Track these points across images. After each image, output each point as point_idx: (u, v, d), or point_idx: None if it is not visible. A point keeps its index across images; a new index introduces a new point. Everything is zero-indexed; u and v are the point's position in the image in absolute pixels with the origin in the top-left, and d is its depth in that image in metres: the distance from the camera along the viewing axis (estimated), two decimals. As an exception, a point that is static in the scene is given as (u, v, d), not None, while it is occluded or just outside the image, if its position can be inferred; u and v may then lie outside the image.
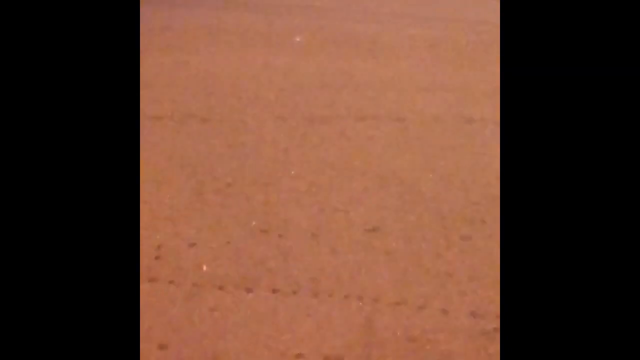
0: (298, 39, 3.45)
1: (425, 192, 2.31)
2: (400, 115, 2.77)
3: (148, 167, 2.41)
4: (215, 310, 1.82)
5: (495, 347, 1.69)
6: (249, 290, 1.88)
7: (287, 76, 3.07)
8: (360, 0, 4.03)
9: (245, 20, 3.70)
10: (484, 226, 2.14)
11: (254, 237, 2.08)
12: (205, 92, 2.93)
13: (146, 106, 2.81)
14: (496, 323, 1.74)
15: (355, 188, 2.31)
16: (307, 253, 2.02)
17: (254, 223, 2.14)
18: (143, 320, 1.79)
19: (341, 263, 1.99)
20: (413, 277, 1.94)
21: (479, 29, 3.69)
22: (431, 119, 2.79)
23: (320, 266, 1.97)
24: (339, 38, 3.50)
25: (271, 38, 3.48)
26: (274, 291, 1.88)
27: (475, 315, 1.81)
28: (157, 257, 2.00)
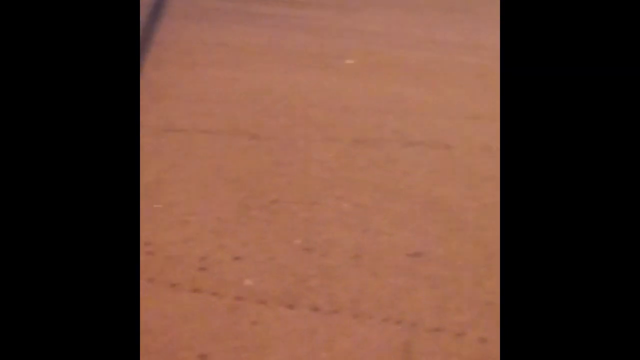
0: (349, 62, 3.50)
1: (468, 220, 2.32)
2: (447, 143, 2.79)
3: (197, 179, 2.46)
4: (256, 324, 1.85)
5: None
6: (290, 307, 1.91)
7: (336, 98, 3.11)
8: (411, 26, 4.07)
9: (298, 41, 3.76)
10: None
11: (297, 254, 2.11)
12: (256, 109, 2.99)
13: (198, 119, 2.88)
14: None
15: (400, 212, 2.33)
16: (349, 274, 2.04)
17: (297, 241, 2.17)
18: (185, 330, 1.83)
19: (382, 286, 2.00)
20: (453, 304, 1.95)
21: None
22: (478, 148, 2.80)
23: (361, 288, 1.99)
24: (389, 63, 3.53)
25: (323, 60, 3.53)
26: (315, 309, 1.91)
27: (514, 346, 1.80)
28: (201, 269, 2.04)
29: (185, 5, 4.31)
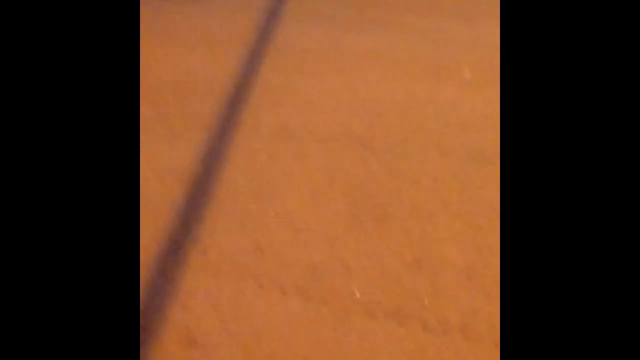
0: (467, 75, 3.44)
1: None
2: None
3: (310, 187, 2.47)
4: (364, 338, 1.84)
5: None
6: (400, 323, 1.89)
7: (453, 111, 3.06)
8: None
9: (415, 50, 3.72)
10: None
11: (408, 270, 2.09)
12: (371, 118, 2.98)
13: (314, 126, 2.89)
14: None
15: (515, 234, 2.26)
16: (461, 294, 2.00)
17: (409, 256, 2.14)
18: (292, 338, 1.84)
19: (495, 309, 1.95)
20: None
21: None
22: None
23: (473, 309, 1.95)
24: (508, 76, 3.45)
25: (440, 71, 3.48)
26: (425, 328, 1.88)
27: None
28: (312, 277, 2.05)
29: (303, 10, 4.35)
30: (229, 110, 3.02)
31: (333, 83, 3.30)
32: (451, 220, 2.32)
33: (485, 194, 2.46)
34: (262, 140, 2.77)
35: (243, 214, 2.32)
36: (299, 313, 1.93)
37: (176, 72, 3.35)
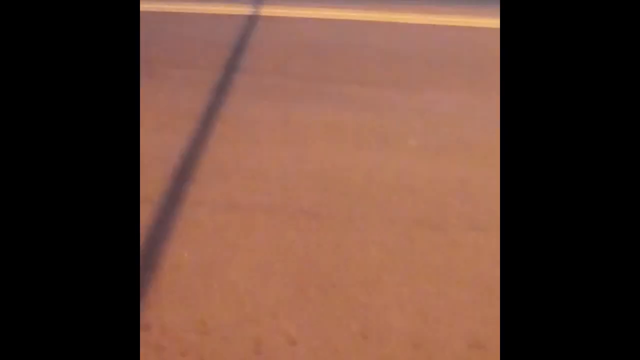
0: (413, 143, 3.47)
1: (534, 311, 2.22)
2: (512, 228, 2.70)
3: (256, 259, 2.44)
4: (309, 414, 1.79)
5: None
6: (345, 397, 1.84)
7: (399, 179, 3.08)
8: (479, 108, 4.04)
9: (360, 120, 3.77)
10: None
11: (353, 341, 2.05)
12: (318, 187, 2.97)
13: (260, 198, 2.88)
14: None
15: (462, 300, 2.25)
16: (407, 364, 1.97)
17: (355, 326, 2.11)
18: (236, 415, 1.78)
19: (442, 378, 1.92)
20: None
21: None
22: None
23: (420, 379, 1.91)
24: (455, 144, 3.50)
25: (386, 139, 3.51)
26: (371, 401, 1.83)
27: None
28: (256, 352, 2.00)
29: (250, 83, 4.39)
30: (174, 184, 2.99)
31: (279, 154, 3.31)
32: (397, 288, 2.30)
33: (430, 260, 2.46)
34: (207, 213, 2.74)
35: (186, 288, 2.27)
36: (243, 389, 1.87)
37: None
